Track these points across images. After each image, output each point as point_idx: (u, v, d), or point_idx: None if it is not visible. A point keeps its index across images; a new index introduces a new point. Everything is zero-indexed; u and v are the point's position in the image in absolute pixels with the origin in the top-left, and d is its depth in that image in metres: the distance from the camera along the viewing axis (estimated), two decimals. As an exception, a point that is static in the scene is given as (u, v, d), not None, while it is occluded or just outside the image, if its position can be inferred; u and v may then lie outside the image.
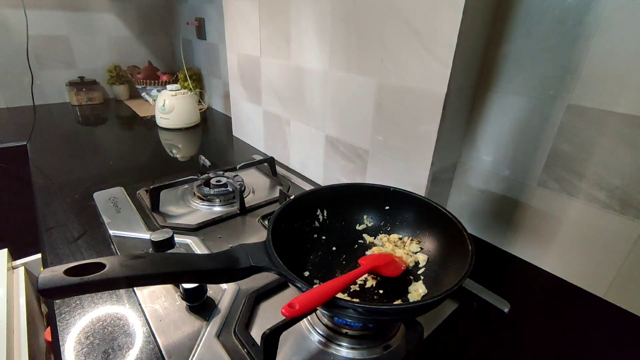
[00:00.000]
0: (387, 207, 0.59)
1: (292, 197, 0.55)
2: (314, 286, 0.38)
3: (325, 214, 0.59)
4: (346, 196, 0.60)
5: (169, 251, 0.58)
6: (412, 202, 0.57)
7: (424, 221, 0.56)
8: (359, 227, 0.60)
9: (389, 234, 0.59)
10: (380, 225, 0.60)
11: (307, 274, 0.52)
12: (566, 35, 0.52)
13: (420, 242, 0.56)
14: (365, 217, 0.61)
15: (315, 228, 0.58)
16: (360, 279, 0.51)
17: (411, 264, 0.53)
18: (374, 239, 0.59)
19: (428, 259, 0.53)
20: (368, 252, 0.56)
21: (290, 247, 0.50)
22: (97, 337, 0.46)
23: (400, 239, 0.57)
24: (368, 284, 0.51)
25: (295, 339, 0.47)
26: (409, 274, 0.52)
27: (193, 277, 0.42)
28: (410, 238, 0.57)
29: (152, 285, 0.49)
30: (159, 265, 0.38)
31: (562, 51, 0.52)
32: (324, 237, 0.58)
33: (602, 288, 0.57)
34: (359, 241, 0.59)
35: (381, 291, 0.50)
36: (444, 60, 0.55)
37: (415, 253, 0.55)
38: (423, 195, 0.58)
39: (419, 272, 0.52)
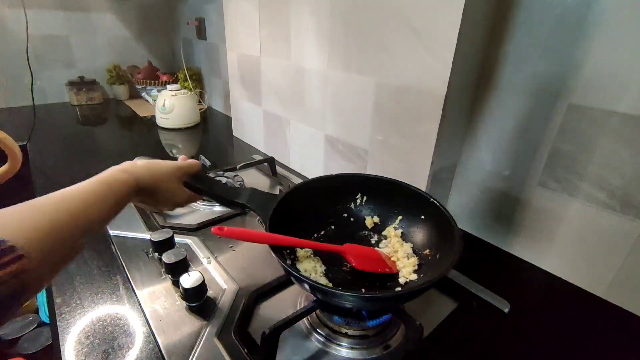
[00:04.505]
0: (386, 203, 0.59)
1: (329, 176, 0.59)
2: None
3: (363, 200, 0.60)
4: (385, 190, 0.59)
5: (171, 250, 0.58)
6: (392, 188, 0.57)
7: (414, 211, 0.55)
8: (366, 223, 0.59)
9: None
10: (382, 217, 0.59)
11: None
12: (567, 35, 0.51)
13: (411, 240, 0.55)
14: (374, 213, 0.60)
15: (329, 213, 0.59)
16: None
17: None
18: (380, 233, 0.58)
19: (418, 261, 0.52)
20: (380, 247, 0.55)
21: (299, 219, 0.53)
22: (97, 337, 0.46)
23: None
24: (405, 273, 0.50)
25: (295, 339, 0.47)
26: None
27: (211, 196, 0.54)
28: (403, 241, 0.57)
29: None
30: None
31: (563, 50, 0.52)
32: (331, 221, 0.58)
33: (602, 288, 0.57)
34: (364, 232, 0.58)
35: (374, 282, 0.49)
36: (444, 59, 0.55)
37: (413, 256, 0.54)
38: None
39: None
